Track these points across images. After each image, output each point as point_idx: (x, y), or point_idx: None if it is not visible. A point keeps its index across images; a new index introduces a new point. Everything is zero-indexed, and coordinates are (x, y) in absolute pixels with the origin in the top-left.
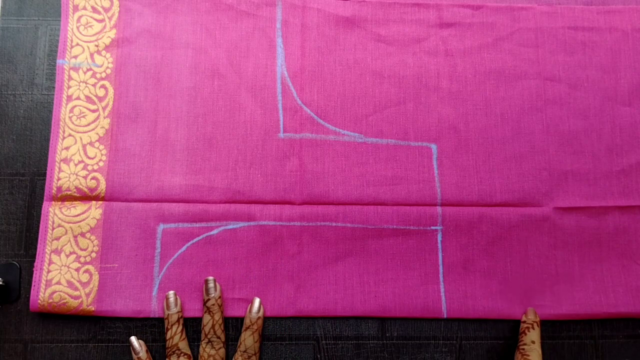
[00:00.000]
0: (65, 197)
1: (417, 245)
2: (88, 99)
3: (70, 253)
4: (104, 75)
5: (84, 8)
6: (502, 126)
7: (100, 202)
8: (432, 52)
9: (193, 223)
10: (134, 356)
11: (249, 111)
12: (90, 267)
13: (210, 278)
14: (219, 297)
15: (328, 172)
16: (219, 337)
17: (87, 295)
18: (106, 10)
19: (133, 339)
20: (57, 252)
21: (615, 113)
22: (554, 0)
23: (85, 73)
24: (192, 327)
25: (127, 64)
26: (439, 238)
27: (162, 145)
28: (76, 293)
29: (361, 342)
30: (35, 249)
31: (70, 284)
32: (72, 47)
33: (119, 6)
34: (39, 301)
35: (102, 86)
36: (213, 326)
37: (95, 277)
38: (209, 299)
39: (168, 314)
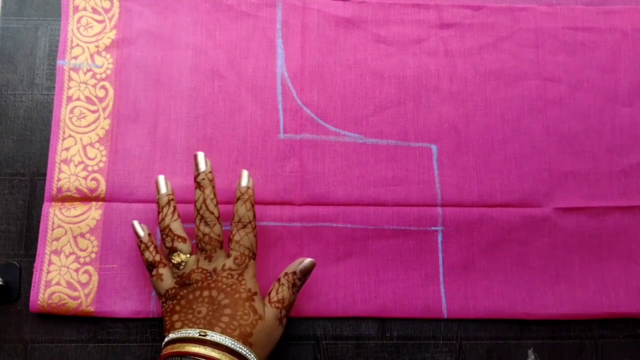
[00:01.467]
0: (65, 198)
1: (417, 246)
2: (88, 99)
3: (70, 254)
4: (104, 76)
5: (84, 9)
6: (503, 127)
7: (100, 203)
8: (432, 53)
9: (193, 224)
10: (138, 241)
11: (249, 112)
12: (89, 267)
13: (200, 153)
14: (210, 172)
15: (328, 172)
16: (212, 213)
17: (87, 296)
18: (106, 11)
19: (135, 223)
20: (56, 252)
21: (615, 113)
22: (554, 1)
23: (85, 74)
24: None
25: (127, 65)
26: (439, 239)
27: (162, 146)
28: (75, 294)
29: (361, 342)
30: (35, 249)
31: (69, 285)
32: (72, 47)
33: (119, 7)
34: (39, 302)
35: (102, 87)
36: (204, 201)
37: (95, 278)
38: (198, 174)
39: (158, 197)
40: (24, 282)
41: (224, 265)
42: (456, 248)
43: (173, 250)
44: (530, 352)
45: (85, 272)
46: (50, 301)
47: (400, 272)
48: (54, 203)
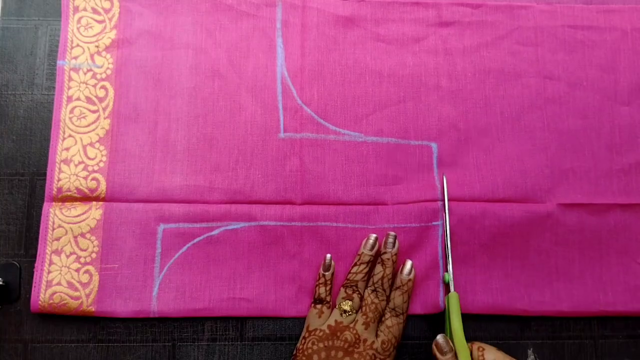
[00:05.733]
0: (66, 198)
1: (418, 241)
2: (88, 99)
3: (71, 254)
4: (104, 76)
5: (84, 9)
6: (502, 124)
7: (100, 203)
8: (431, 51)
9: (194, 223)
10: (320, 273)
11: (249, 111)
12: (90, 267)
13: (392, 234)
14: (395, 254)
15: (328, 171)
16: (384, 290)
17: (87, 295)
18: (106, 11)
19: (329, 257)
20: (57, 252)
21: (614, 112)
22: None
23: (85, 74)
24: (192, 328)
25: (128, 65)
26: (439, 232)
27: (162, 145)
28: (76, 294)
29: None
30: (36, 249)
31: (70, 285)
32: (72, 48)
33: (119, 7)
34: (40, 302)
35: (103, 87)
36: (382, 278)
37: (96, 278)
38: (385, 252)
39: (363, 252)
40: (24, 282)
41: (372, 342)
42: (456, 242)
43: (348, 299)
44: (530, 351)
45: (86, 272)
46: (51, 301)
47: None
48: (54, 203)
